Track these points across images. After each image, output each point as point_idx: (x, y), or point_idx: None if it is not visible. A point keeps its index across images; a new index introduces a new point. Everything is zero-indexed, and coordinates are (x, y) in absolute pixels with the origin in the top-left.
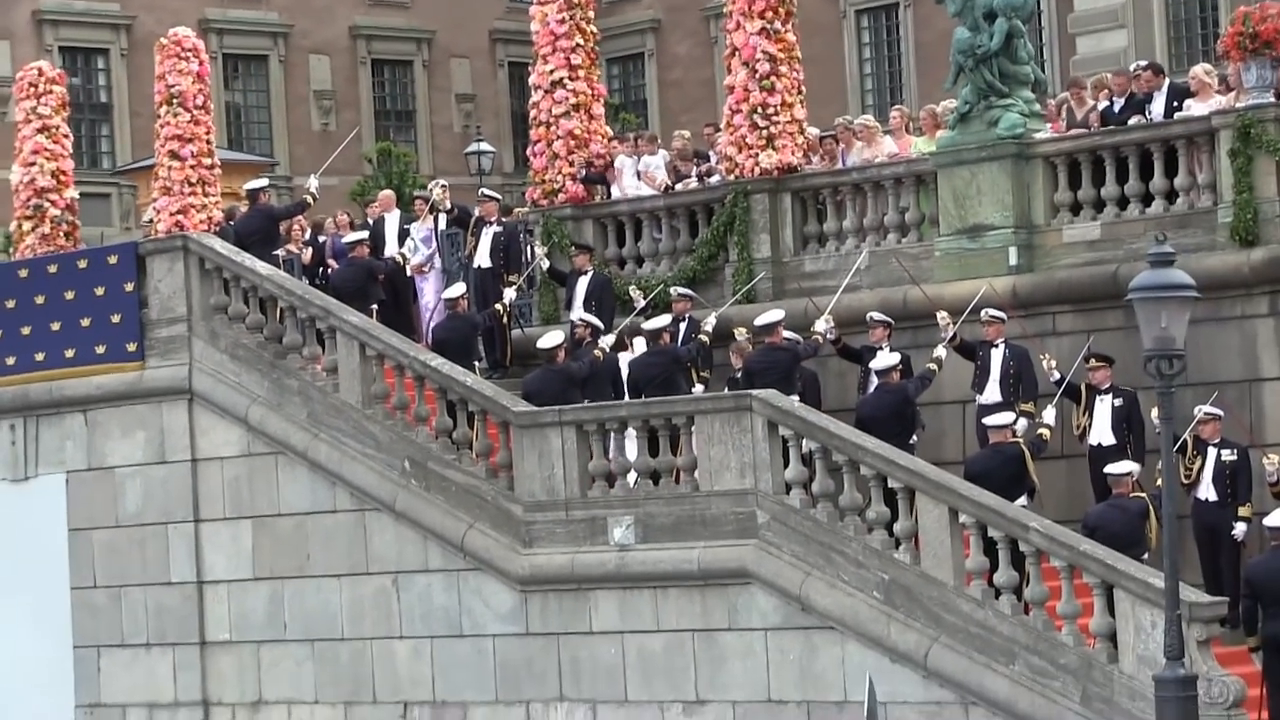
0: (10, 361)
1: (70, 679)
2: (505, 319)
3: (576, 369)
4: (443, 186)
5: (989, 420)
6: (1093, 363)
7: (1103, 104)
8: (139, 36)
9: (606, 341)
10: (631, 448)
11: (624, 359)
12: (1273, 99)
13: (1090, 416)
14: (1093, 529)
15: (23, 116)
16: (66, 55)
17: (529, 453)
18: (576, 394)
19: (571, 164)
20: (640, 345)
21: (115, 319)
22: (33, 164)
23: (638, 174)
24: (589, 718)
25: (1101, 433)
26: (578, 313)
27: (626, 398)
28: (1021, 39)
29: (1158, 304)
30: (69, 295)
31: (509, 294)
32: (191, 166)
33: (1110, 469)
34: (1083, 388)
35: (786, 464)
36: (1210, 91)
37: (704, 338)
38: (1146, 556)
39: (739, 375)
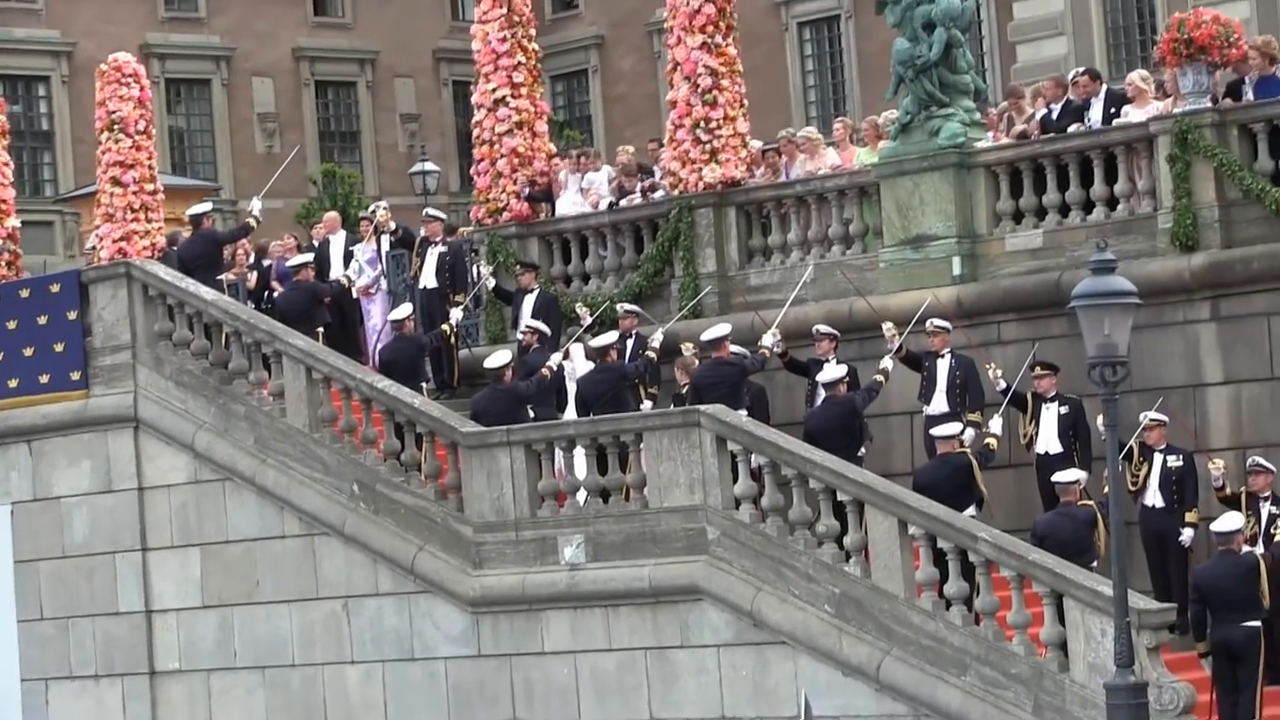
0: None
1: (18, 712)
2: (452, 339)
3: (524, 388)
4: (385, 208)
5: (936, 431)
6: (1038, 371)
7: (1041, 111)
8: (80, 63)
9: (554, 360)
10: (580, 466)
11: (569, 371)
12: (1209, 104)
13: (1037, 425)
14: (1041, 538)
15: None
16: (7, 82)
17: (478, 473)
18: (525, 413)
19: (515, 182)
20: (578, 353)
21: (59, 348)
22: None
23: (581, 191)
24: None
25: (1048, 441)
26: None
27: (574, 414)
28: (961, 48)
29: (1100, 311)
30: (11, 325)
31: (455, 314)
32: (134, 192)
33: (1057, 477)
34: (1029, 396)
35: (736, 479)
36: (1147, 98)
37: (651, 354)
38: (1095, 564)
39: (684, 391)
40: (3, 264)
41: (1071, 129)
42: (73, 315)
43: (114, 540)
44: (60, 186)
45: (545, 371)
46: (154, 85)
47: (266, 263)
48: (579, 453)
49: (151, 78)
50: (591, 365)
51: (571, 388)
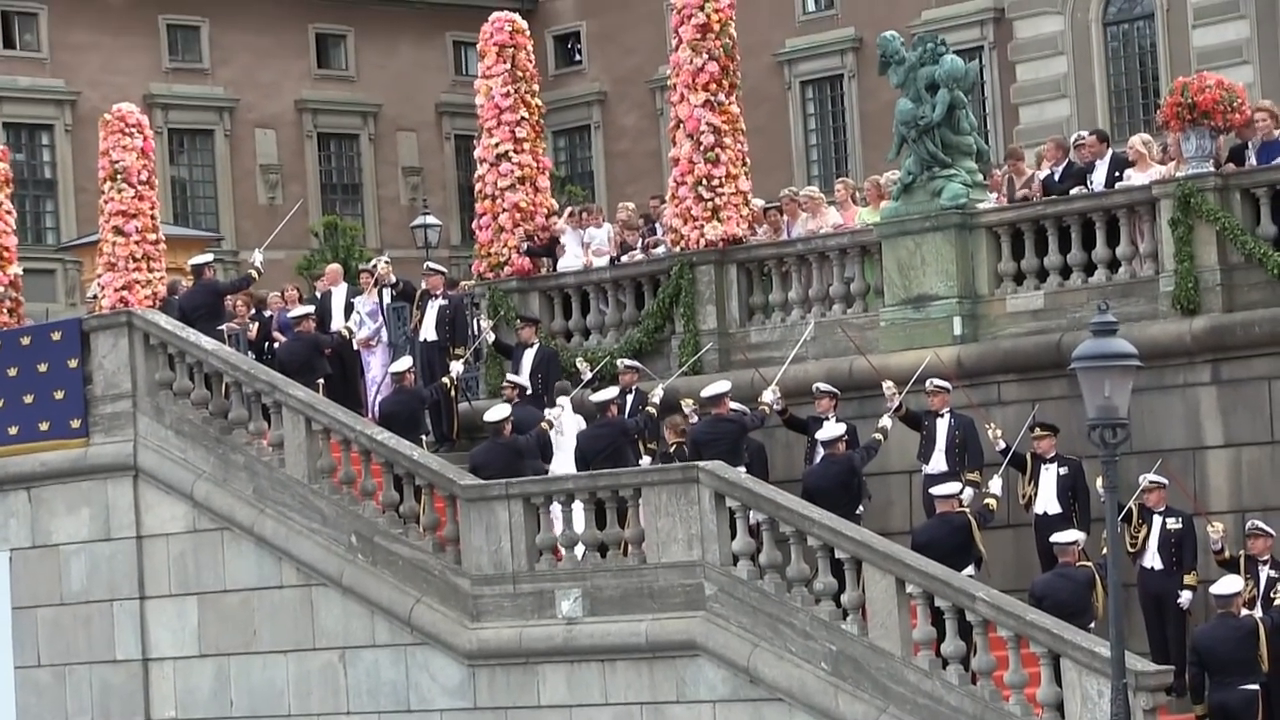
0: None
1: None
2: (452, 392)
3: (524, 442)
4: (387, 261)
5: (935, 490)
6: (1038, 432)
7: (1044, 173)
8: (83, 112)
9: (553, 414)
10: (579, 520)
11: (556, 425)
12: (1212, 168)
13: (1036, 485)
14: (1040, 598)
15: None
16: (10, 131)
17: (476, 526)
18: (524, 466)
19: (517, 236)
20: (565, 403)
21: (59, 395)
22: None
23: (584, 246)
24: None
25: (1047, 501)
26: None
27: (562, 468)
28: (964, 110)
29: (1101, 373)
30: (12, 372)
31: (455, 367)
32: (136, 242)
33: (1056, 538)
34: (1028, 457)
35: (734, 535)
36: (1148, 161)
37: (652, 409)
38: (1093, 625)
39: (673, 450)
40: (4, 311)
41: (1074, 191)
42: (73, 363)
43: (112, 588)
44: (62, 235)
45: (545, 425)
46: (157, 135)
47: (268, 314)
48: (577, 507)
49: (155, 128)
50: (579, 418)
51: (558, 440)
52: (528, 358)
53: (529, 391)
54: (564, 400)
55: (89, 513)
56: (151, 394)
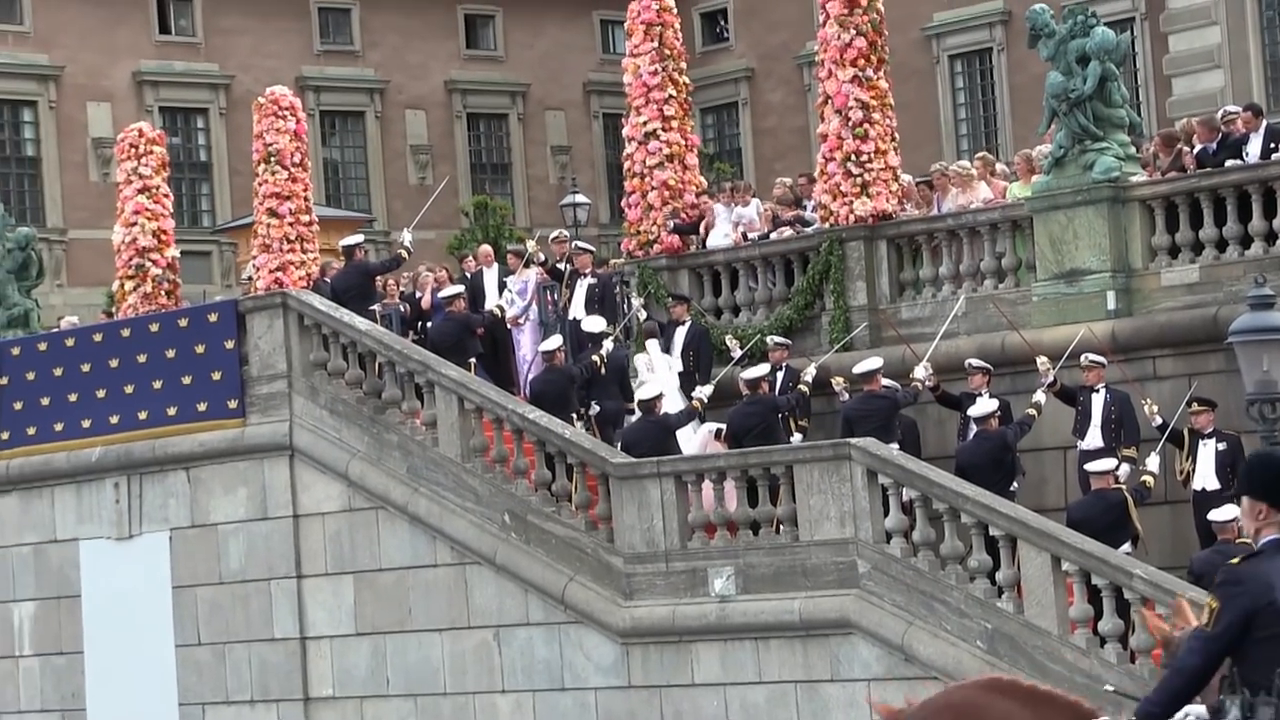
0: (114, 420)
1: None
2: (602, 370)
3: (675, 419)
4: (537, 241)
5: (1091, 466)
6: (1195, 407)
7: (1198, 146)
8: (237, 95)
9: (704, 392)
10: (730, 498)
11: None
12: None
13: (1194, 461)
14: (1199, 575)
15: (124, 177)
16: (166, 115)
17: (628, 504)
18: (674, 444)
19: (665, 214)
20: (653, 346)
21: (216, 376)
22: (134, 224)
23: (734, 224)
24: None
25: (1206, 478)
26: (671, 359)
27: (725, 447)
28: (1115, 82)
29: (1259, 347)
30: (170, 354)
31: (606, 345)
32: (290, 224)
33: (1214, 514)
34: (1185, 432)
35: (887, 512)
36: None
37: (804, 387)
38: None
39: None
40: (162, 294)
41: (1229, 164)
42: (230, 344)
43: (269, 567)
44: (218, 217)
45: (695, 403)
46: (309, 117)
47: (418, 294)
48: (729, 484)
49: (307, 110)
50: (667, 358)
51: (646, 374)
52: (679, 335)
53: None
54: (653, 344)
55: (246, 492)
56: (306, 374)
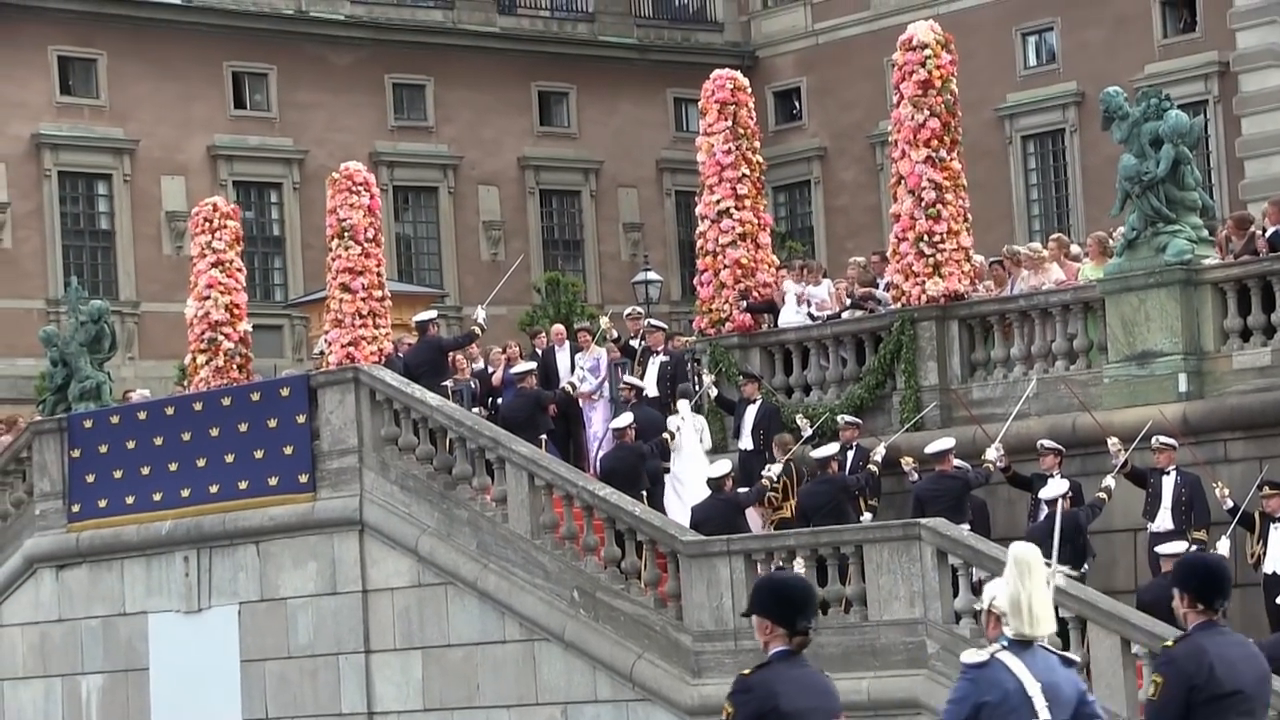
0: (185, 493)
1: None
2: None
3: (744, 497)
4: (610, 318)
5: (1161, 548)
6: (1266, 490)
7: (1270, 229)
8: (311, 170)
9: (774, 470)
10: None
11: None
12: None
13: (1265, 545)
14: (1270, 659)
15: (198, 251)
16: (240, 189)
17: (697, 582)
18: (745, 523)
19: (737, 293)
20: (684, 407)
21: (288, 450)
22: (207, 298)
23: (805, 302)
24: None
25: (1276, 561)
26: (744, 442)
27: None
28: (1189, 165)
29: None
30: (242, 427)
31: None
32: (362, 299)
33: None
34: (1256, 515)
35: (956, 593)
36: None
37: (874, 466)
38: None
39: (779, 472)
40: (234, 368)
41: None
42: (301, 419)
43: (338, 642)
44: (290, 291)
45: (764, 481)
46: (382, 193)
47: (490, 370)
48: (798, 564)
49: (380, 185)
50: (699, 418)
51: (679, 444)
52: (750, 413)
53: (644, 390)
54: (683, 404)
55: (316, 567)
56: (377, 449)
